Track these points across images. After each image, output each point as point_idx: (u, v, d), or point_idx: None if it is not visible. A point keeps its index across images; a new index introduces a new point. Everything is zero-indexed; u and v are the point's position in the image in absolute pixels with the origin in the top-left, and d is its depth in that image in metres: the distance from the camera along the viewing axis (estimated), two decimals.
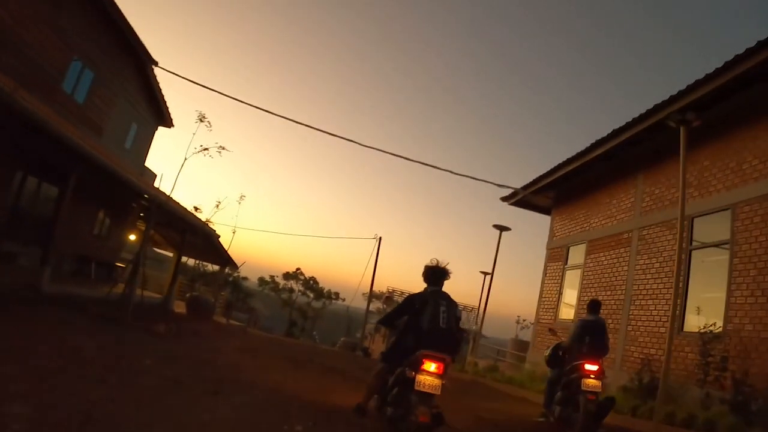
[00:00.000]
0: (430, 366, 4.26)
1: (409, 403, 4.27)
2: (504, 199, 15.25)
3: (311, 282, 47.50)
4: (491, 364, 14.15)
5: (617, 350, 9.79)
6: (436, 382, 4.23)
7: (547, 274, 13.55)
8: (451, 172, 12.52)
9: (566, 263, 12.84)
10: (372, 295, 32.39)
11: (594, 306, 7.00)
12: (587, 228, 12.15)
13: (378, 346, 31.00)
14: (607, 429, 6.22)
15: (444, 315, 4.67)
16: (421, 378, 4.22)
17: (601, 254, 11.21)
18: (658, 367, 8.35)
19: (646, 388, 8.39)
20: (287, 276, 47.26)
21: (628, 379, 8.80)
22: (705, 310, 8.28)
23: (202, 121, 9.50)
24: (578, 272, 12.29)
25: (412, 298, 4.95)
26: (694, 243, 8.78)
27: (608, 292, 10.60)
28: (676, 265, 7.59)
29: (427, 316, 4.66)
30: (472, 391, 10.32)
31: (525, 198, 14.97)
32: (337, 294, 48.18)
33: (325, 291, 47.90)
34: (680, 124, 7.52)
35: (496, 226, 13.28)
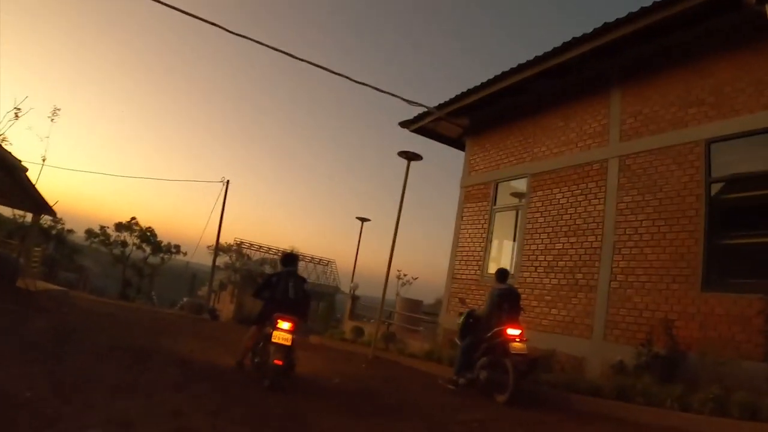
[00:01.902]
0: (283, 324, 5.88)
1: (268, 352, 5.90)
2: (404, 124, 12.20)
3: (148, 234, 39.24)
4: (387, 332, 11.36)
5: (595, 315, 7.63)
6: (288, 336, 5.85)
7: (464, 219, 11.01)
8: (349, 78, 8.84)
9: (494, 203, 10.38)
10: (218, 248, 27.54)
11: (504, 274, 7.29)
12: (528, 158, 9.75)
13: (226, 306, 27.18)
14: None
15: (292, 288, 6.45)
16: (276, 333, 5.85)
17: (556, 190, 8.91)
18: (684, 337, 6.32)
19: (659, 366, 6.29)
20: (120, 227, 38.52)
21: (625, 353, 6.70)
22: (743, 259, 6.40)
23: None
24: (514, 214, 9.93)
25: (270, 277, 6.91)
26: (713, 175, 6.75)
27: (572, 239, 8.35)
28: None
29: (280, 289, 6.45)
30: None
31: (427, 125, 12.12)
32: (177, 247, 40.74)
33: (163, 244, 40.20)
34: None
35: (402, 154, 10.18)
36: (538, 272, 8.80)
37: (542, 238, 8.91)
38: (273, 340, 5.79)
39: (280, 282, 6.48)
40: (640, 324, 7.02)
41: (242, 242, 30.22)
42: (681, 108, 7.30)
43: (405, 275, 15.44)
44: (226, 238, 30.02)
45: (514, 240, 10.09)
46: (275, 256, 30.05)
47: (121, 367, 6.03)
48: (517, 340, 6.39)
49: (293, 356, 6.05)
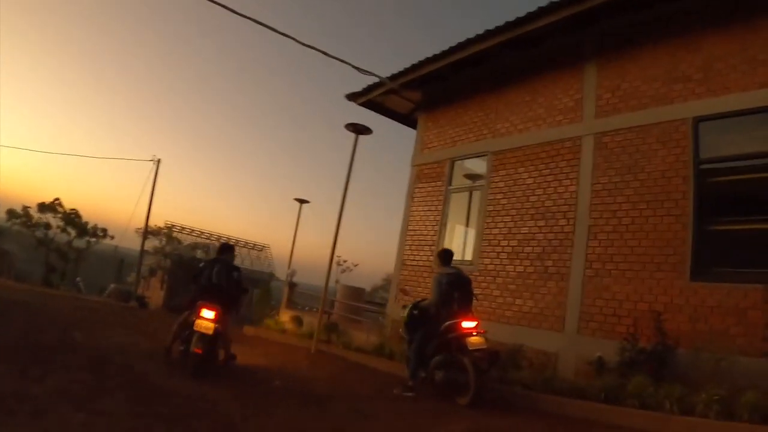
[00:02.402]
0: (205, 312, 5.68)
1: (191, 340, 5.65)
2: (352, 96, 11.01)
3: (72, 216, 35.23)
4: (329, 323, 10.23)
5: (567, 306, 6.96)
6: (210, 325, 5.59)
7: (416, 200, 10.05)
8: (295, 40, 7.62)
9: (449, 183, 9.49)
10: (148, 231, 24.89)
11: (449, 256, 6.59)
12: (490, 135, 8.94)
13: (156, 293, 24.67)
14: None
15: (215, 275, 6.22)
16: (198, 322, 5.63)
17: (521, 169, 8.17)
18: (671, 330, 5.75)
19: (646, 362, 5.68)
20: (43, 208, 34.31)
21: (604, 349, 6.10)
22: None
23: None
24: (474, 195, 9.10)
25: (201, 265, 6.73)
26: (701, 156, 6.21)
27: (540, 222, 7.63)
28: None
29: (205, 276, 6.27)
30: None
31: (377, 99, 11.05)
32: (104, 231, 37.25)
33: (89, 227, 36.40)
34: None
35: (350, 127, 9.07)
36: (501, 259, 8.03)
37: (506, 222, 8.14)
38: (194, 328, 5.64)
39: (205, 270, 6.37)
40: (620, 316, 6.40)
41: (173, 225, 27.87)
42: (665, 83, 6.72)
43: (345, 261, 14.41)
44: (157, 222, 27.69)
45: (467, 224, 9.32)
46: (208, 241, 28.16)
47: (13, 372, 4.52)
48: (474, 333, 5.73)
49: (221, 346, 6.07)
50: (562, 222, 7.35)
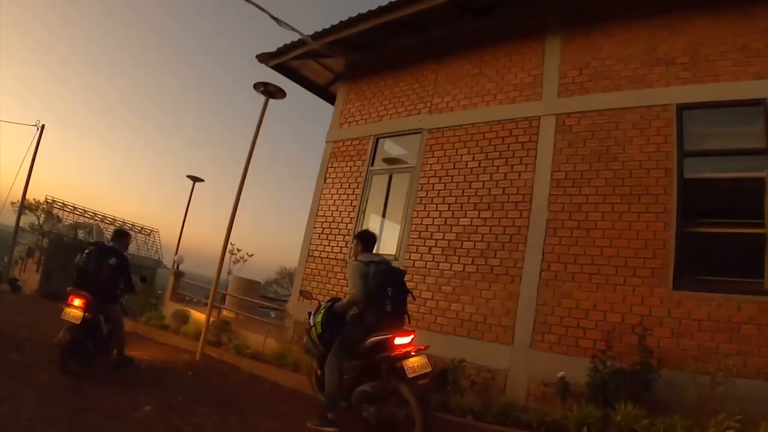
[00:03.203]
0: (74, 301, 5.11)
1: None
2: (263, 57, 9.05)
3: None
4: (219, 320, 8.16)
5: (518, 314, 5.72)
6: (77, 313, 5.02)
7: (329, 181, 8.35)
8: None
9: (372, 163, 7.94)
10: (25, 205, 20.44)
11: (373, 240, 5.02)
12: (425, 109, 7.58)
13: (32, 275, 19.83)
14: None
15: (85, 259, 5.48)
16: (67, 310, 5.07)
17: (463, 151, 6.90)
18: (650, 347, 4.72)
19: (622, 385, 4.57)
20: None
21: (567, 367, 4.95)
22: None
23: None
24: (401, 179, 7.62)
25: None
26: (685, 147, 5.35)
27: (485, 213, 6.37)
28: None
29: (77, 261, 5.58)
30: None
31: (292, 64, 9.30)
32: None
33: None
34: None
35: (261, 86, 7.25)
36: (434, 254, 6.63)
37: (441, 211, 6.77)
38: (62, 317, 5.12)
39: (79, 254, 5.72)
40: (585, 329, 5.27)
41: (55, 201, 23.36)
42: (644, 65, 5.85)
43: (239, 250, 12.26)
44: (38, 197, 23.06)
45: (385, 213, 7.85)
46: (92, 221, 23.96)
47: None
48: (412, 352, 4.13)
49: (113, 344, 5.66)
50: (514, 214, 6.14)
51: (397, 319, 4.41)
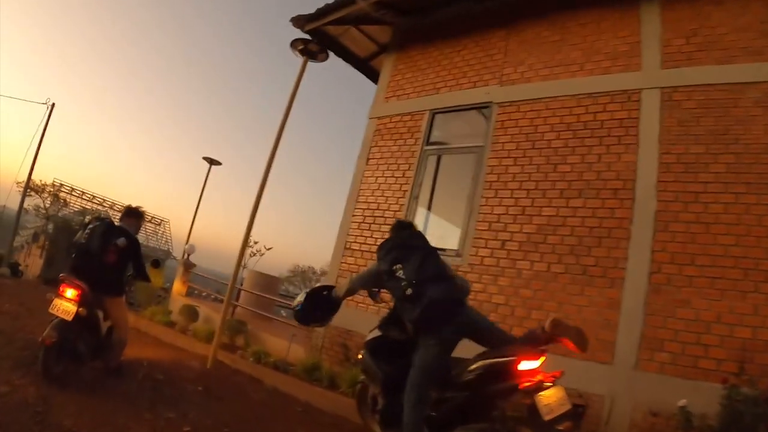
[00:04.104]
0: (66, 291, 4.20)
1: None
2: (298, 21, 7.98)
3: None
4: (233, 319, 7.26)
5: (619, 326, 4.83)
6: (70, 308, 4.13)
7: (371, 163, 7.40)
8: None
9: (427, 142, 7.00)
10: (31, 187, 19.83)
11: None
12: (494, 80, 6.61)
13: (35, 260, 19.10)
14: None
15: (88, 237, 4.50)
16: (57, 302, 4.19)
17: (545, 128, 5.96)
18: None
19: None
20: None
21: (687, 393, 4.16)
22: None
23: None
24: (463, 159, 6.68)
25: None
26: None
27: (575, 202, 5.45)
28: None
29: (76, 239, 4.65)
30: None
31: (330, 30, 8.31)
32: None
33: None
34: None
35: (299, 43, 6.32)
36: (508, 250, 5.68)
37: (517, 198, 5.83)
38: (50, 309, 4.19)
39: (80, 230, 4.78)
40: (708, 345, 4.34)
41: (62, 185, 22.77)
42: (762, 36, 4.89)
43: (256, 243, 11.46)
44: (45, 179, 22.45)
45: (426, 199, 6.93)
46: (100, 207, 23.44)
47: None
48: (546, 383, 3.00)
49: (113, 346, 4.70)
50: (612, 203, 5.20)
51: (520, 347, 3.28)
